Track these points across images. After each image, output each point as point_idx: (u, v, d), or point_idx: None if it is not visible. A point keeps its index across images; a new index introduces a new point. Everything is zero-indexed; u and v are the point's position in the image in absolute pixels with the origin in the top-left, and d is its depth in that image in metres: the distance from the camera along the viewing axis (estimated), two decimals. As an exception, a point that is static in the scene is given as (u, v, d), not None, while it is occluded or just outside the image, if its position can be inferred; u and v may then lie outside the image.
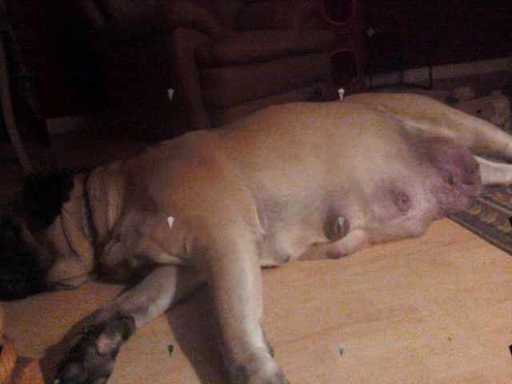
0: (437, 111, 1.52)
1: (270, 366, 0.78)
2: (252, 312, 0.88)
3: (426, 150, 1.41)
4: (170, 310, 1.12)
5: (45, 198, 1.20)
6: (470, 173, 1.44)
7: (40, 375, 0.76)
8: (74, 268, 1.22)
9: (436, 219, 1.41)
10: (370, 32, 4.06)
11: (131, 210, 1.16)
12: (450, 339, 0.92)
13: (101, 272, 1.26)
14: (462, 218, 1.42)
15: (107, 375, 0.88)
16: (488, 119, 2.02)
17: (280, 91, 3.04)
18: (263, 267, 1.14)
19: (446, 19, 4.54)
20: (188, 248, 1.06)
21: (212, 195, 1.12)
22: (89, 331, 0.91)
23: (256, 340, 0.84)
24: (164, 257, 1.10)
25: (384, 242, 1.32)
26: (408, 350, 0.90)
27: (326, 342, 0.95)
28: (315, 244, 1.26)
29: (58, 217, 1.20)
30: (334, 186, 1.25)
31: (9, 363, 0.67)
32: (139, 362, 0.95)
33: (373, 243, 1.32)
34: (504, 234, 1.30)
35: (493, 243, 1.26)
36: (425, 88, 4.09)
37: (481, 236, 1.31)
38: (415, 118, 1.48)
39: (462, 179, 1.43)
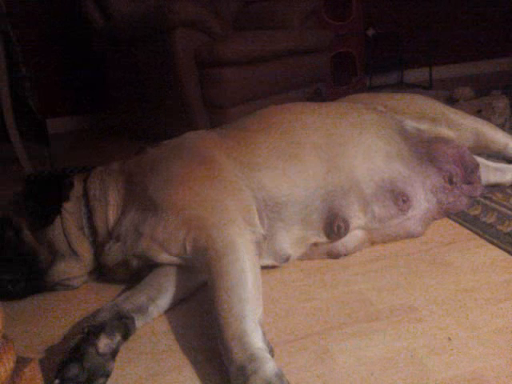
0: (437, 111, 1.52)
1: (270, 366, 0.78)
2: (252, 312, 0.88)
3: (425, 150, 1.41)
4: (169, 310, 1.12)
5: (45, 198, 1.20)
6: (470, 173, 1.44)
7: (40, 375, 0.76)
8: (74, 268, 1.22)
9: (436, 219, 1.41)
10: (370, 32, 4.06)
11: (131, 210, 1.16)
12: (450, 339, 0.92)
13: (101, 272, 1.26)
14: (462, 218, 1.42)
15: (107, 375, 0.88)
16: (488, 119, 2.02)
17: (280, 91, 3.04)
18: (263, 267, 1.14)
19: (446, 19, 4.55)
20: (188, 248, 1.06)
21: (212, 195, 1.12)
22: (89, 331, 0.91)
23: (256, 340, 0.84)
24: (164, 257, 1.10)
25: (384, 242, 1.32)
26: (408, 350, 0.90)
27: (325, 342, 0.95)
28: (315, 244, 1.26)
29: (58, 217, 1.20)
30: (334, 185, 1.25)
31: (9, 363, 0.67)
32: (139, 362, 0.95)
33: (373, 243, 1.32)
34: (504, 234, 1.30)
35: (493, 243, 1.26)
36: (425, 88, 4.09)
37: (481, 236, 1.31)
38: (415, 118, 1.48)
39: (462, 179, 1.43)
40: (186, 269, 1.13)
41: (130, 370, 0.93)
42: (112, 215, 1.20)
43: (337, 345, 0.94)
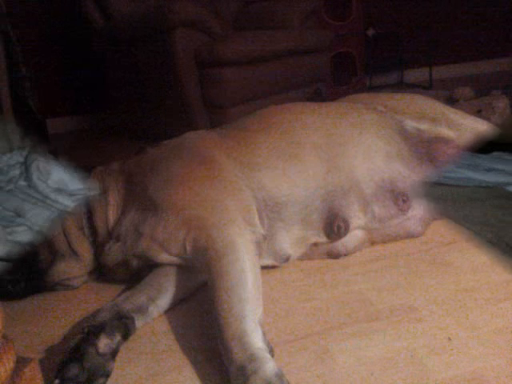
0: (437, 111, 1.52)
1: (269, 366, 0.78)
2: (252, 312, 0.88)
3: (425, 150, 1.41)
4: (169, 310, 1.12)
5: (45, 198, 1.20)
6: (470, 173, 1.44)
7: (40, 375, 0.75)
8: (74, 268, 1.22)
9: (436, 219, 1.41)
10: (370, 32, 4.06)
11: (131, 210, 1.16)
12: (450, 339, 0.92)
13: (101, 272, 1.26)
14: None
15: (107, 375, 0.88)
16: (488, 119, 2.02)
17: (280, 91, 3.04)
18: (263, 267, 1.14)
19: (446, 19, 4.55)
20: (188, 248, 1.06)
21: (212, 195, 1.12)
22: (89, 331, 0.90)
23: (256, 340, 0.84)
24: (164, 257, 1.10)
25: (384, 242, 1.32)
26: (408, 350, 0.90)
27: (326, 341, 0.95)
28: (315, 244, 1.26)
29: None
30: (334, 186, 1.25)
31: (9, 363, 0.67)
32: (139, 362, 0.95)
33: (373, 243, 1.32)
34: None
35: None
36: (425, 88, 4.09)
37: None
38: (415, 118, 1.48)
39: (462, 179, 1.43)
40: (186, 269, 1.13)
41: (130, 369, 0.93)
42: (112, 215, 1.20)
43: (337, 345, 0.94)
